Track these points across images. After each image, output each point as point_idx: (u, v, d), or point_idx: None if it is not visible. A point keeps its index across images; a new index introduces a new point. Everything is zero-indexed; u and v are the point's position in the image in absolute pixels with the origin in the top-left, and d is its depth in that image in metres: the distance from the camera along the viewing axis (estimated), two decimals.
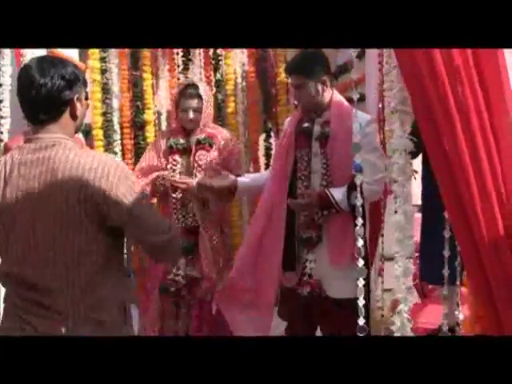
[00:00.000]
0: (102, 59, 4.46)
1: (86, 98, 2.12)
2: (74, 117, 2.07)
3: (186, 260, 3.60)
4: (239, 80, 4.61)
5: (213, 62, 4.59)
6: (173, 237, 1.99)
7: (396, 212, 1.73)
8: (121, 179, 1.93)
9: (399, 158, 1.73)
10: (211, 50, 4.58)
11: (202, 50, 4.59)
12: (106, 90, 4.48)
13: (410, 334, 1.76)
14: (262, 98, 4.71)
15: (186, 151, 3.59)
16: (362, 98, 4.27)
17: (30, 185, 1.94)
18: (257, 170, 4.70)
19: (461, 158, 1.59)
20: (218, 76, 4.58)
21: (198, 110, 3.49)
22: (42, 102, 1.99)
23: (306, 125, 3.19)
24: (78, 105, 2.05)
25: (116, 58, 4.50)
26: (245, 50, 4.61)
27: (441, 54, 1.61)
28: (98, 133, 4.36)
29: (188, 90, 3.53)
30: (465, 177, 1.60)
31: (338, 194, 2.93)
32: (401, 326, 1.76)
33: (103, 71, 4.45)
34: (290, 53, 4.61)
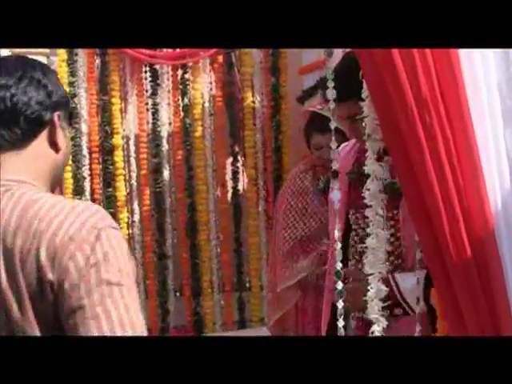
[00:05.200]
0: (71, 84, 4.49)
1: (71, 125, 1.60)
2: (53, 145, 1.46)
3: None
4: (207, 104, 4.67)
5: (180, 86, 4.65)
6: None
7: (368, 235, 1.80)
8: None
9: (371, 184, 1.80)
10: (179, 75, 4.64)
11: (170, 74, 4.65)
12: (74, 114, 4.51)
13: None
14: (228, 122, 4.78)
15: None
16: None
17: None
18: (224, 194, 4.76)
19: (430, 183, 1.67)
20: (186, 101, 4.63)
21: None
22: (7, 114, 1.39)
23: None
24: (59, 130, 1.48)
25: (84, 82, 4.54)
26: (212, 75, 4.68)
27: (409, 81, 1.68)
28: None
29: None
30: (433, 200, 1.68)
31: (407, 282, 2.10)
32: None
33: (72, 96, 4.47)
34: (257, 75, 4.71)
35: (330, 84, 1.90)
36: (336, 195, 1.91)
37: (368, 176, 1.95)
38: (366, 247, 1.95)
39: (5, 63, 1.44)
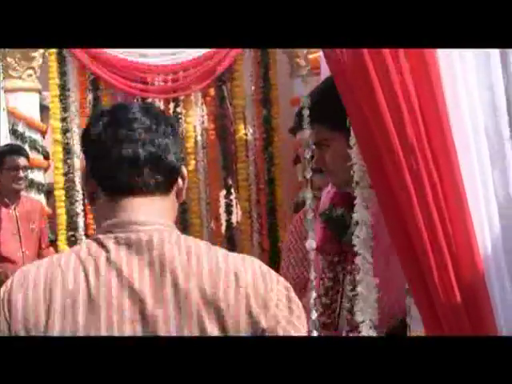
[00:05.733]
0: (63, 119, 4.51)
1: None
2: (179, 197, 1.38)
3: None
4: (199, 137, 4.68)
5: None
6: None
7: (358, 283, 1.79)
8: None
9: (360, 231, 1.79)
10: (171, 108, 4.65)
11: (162, 108, 4.66)
12: (67, 149, 4.52)
13: None
14: (221, 154, 4.79)
15: None
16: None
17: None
18: (218, 227, 4.75)
19: (418, 228, 1.66)
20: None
21: None
22: (150, 159, 1.30)
23: (339, 212, 2.04)
24: (182, 181, 1.37)
25: (76, 117, 4.55)
26: (204, 108, 4.69)
27: (395, 128, 1.68)
28: (60, 193, 4.38)
29: None
30: (421, 244, 1.67)
31: None
32: None
33: (64, 131, 4.48)
34: (249, 108, 4.73)
35: (305, 112, 1.87)
36: (311, 244, 1.89)
37: (348, 222, 1.90)
38: (356, 294, 1.83)
39: (137, 109, 1.37)
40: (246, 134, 4.73)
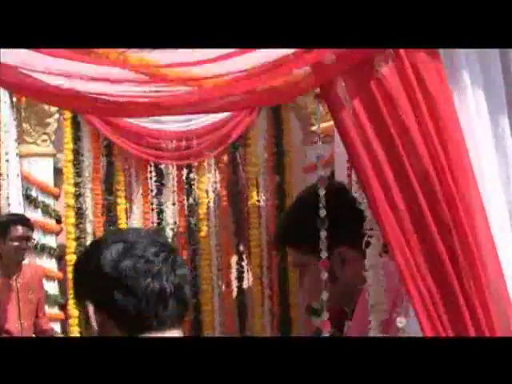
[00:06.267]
0: (76, 184, 4.53)
1: None
2: None
3: None
4: (211, 204, 4.69)
5: (186, 186, 4.68)
6: None
7: None
8: None
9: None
10: (184, 174, 4.68)
11: (175, 174, 4.68)
12: (79, 214, 4.53)
13: None
14: (233, 221, 4.78)
15: None
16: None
17: None
18: (229, 293, 4.72)
19: None
20: (191, 200, 4.66)
21: None
22: (176, 291, 1.25)
23: None
24: None
25: (90, 182, 4.57)
26: (217, 174, 4.71)
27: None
28: (71, 258, 4.36)
29: None
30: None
31: None
32: None
33: (77, 196, 4.50)
34: (262, 175, 4.75)
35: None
36: None
37: None
38: None
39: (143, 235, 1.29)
40: (258, 201, 4.74)
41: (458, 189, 1.68)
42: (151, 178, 4.64)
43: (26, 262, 4.09)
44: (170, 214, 4.65)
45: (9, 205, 4.25)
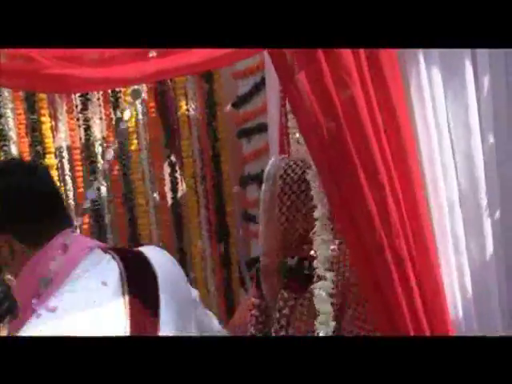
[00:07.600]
0: None
1: None
2: None
3: None
4: (140, 116, 4.55)
5: (112, 99, 4.51)
6: None
7: None
8: None
9: None
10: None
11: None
12: (2, 136, 4.33)
13: None
14: (163, 132, 4.67)
15: None
16: (263, 128, 4.31)
17: None
18: (164, 205, 4.67)
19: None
20: (118, 114, 4.51)
21: None
22: None
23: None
24: None
25: (11, 102, 4.35)
26: (144, 86, 4.54)
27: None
28: None
29: None
30: None
31: None
32: None
33: None
34: (190, 83, 4.62)
35: None
36: None
37: None
38: None
39: None
40: (188, 110, 4.62)
41: (396, 164, 1.67)
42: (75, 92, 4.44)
43: None
44: (98, 130, 4.50)
45: None
